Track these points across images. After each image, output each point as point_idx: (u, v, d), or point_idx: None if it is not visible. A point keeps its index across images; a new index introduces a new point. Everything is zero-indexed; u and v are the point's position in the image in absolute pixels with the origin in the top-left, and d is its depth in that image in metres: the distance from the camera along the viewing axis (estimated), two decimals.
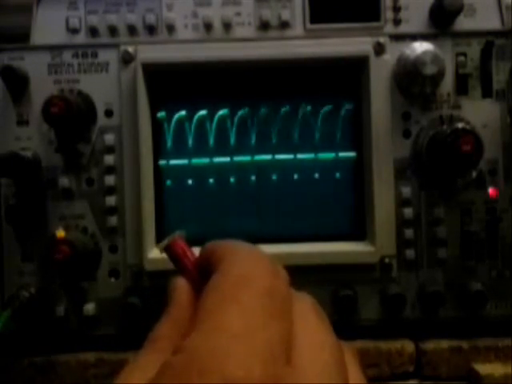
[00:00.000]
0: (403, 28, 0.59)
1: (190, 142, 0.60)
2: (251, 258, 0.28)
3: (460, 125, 0.54)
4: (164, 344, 0.27)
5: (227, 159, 0.60)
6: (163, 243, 0.33)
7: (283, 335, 0.24)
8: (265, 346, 0.23)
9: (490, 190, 0.59)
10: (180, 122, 0.60)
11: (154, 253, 0.57)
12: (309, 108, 0.60)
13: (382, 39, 0.58)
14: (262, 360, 0.22)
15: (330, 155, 0.60)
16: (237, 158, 0.60)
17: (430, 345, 0.58)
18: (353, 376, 0.27)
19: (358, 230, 0.59)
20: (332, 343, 0.26)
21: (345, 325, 0.58)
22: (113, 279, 0.59)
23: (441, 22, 0.59)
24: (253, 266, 0.27)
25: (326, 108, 0.60)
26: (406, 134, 0.59)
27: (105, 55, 0.59)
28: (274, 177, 0.60)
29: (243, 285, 0.25)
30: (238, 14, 0.60)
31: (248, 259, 0.28)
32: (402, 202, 0.58)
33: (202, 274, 0.31)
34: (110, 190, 0.58)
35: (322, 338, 0.26)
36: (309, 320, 0.27)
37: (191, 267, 0.32)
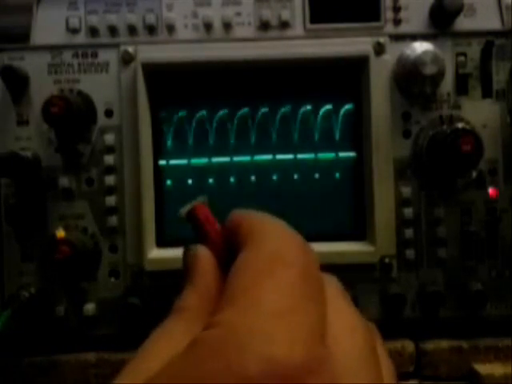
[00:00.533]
0: (403, 28, 0.59)
1: (190, 142, 0.60)
2: (282, 234, 0.27)
3: (460, 125, 0.54)
4: (192, 314, 0.27)
5: (227, 159, 0.60)
6: (185, 208, 0.31)
7: (319, 317, 0.24)
8: (304, 327, 0.22)
9: (490, 190, 0.59)
10: (180, 122, 0.60)
11: (154, 253, 0.57)
12: (309, 108, 0.60)
13: (381, 39, 0.58)
14: (303, 341, 0.22)
15: (329, 155, 0.60)
16: (237, 158, 0.60)
17: (430, 345, 0.58)
18: (383, 361, 0.27)
19: (358, 230, 0.59)
20: (363, 328, 0.26)
21: None
22: (113, 279, 0.59)
23: (441, 22, 0.59)
24: (286, 243, 0.26)
25: (326, 108, 0.60)
26: (406, 134, 0.59)
27: (105, 55, 0.59)
28: (274, 177, 0.60)
29: (278, 262, 0.25)
30: (238, 14, 0.60)
31: (279, 236, 0.27)
32: (402, 202, 0.58)
33: (225, 246, 0.29)
34: (110, 190, 0.58)
35: (354, 322, 0.26)
36: (339, 303, 0.27)
37: (215, 236, 0.31)
